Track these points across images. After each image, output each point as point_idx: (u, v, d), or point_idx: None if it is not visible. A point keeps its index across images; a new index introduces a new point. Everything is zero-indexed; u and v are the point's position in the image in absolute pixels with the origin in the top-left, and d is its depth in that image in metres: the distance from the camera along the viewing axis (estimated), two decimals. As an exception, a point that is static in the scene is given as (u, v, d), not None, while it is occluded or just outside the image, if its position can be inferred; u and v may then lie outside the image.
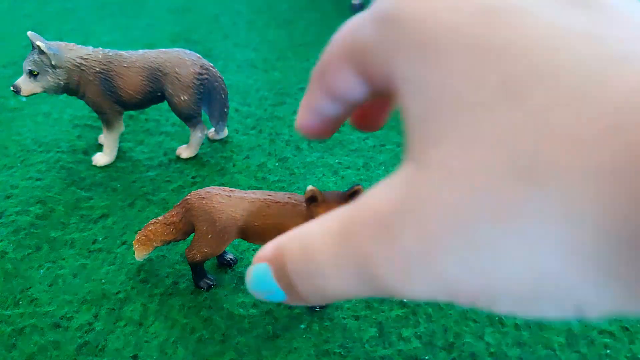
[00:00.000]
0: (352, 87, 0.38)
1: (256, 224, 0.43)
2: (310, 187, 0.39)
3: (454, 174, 0.15)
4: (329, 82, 0.38)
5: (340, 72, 0.37)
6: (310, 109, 0.39)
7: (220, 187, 0.45)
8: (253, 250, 0.50)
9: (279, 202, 0.43)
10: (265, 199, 0.43)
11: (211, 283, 0.47)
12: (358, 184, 0.40)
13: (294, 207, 0.42)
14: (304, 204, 0.42)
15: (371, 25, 0.31)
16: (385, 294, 0.18)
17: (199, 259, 0.45)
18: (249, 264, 0.49)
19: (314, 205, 0.40)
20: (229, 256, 0.49)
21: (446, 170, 0.15)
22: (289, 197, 0.43)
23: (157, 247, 0.46)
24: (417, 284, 0.16)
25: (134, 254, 0.47)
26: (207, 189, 0.45)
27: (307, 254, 0.19)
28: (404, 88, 0.22)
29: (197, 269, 0.46)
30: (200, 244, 0.45)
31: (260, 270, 0.23)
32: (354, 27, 0.33)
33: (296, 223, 0.42)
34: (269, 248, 0.24)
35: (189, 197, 0.45)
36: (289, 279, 0.22)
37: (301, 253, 0.21)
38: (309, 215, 0.42)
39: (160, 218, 0.46)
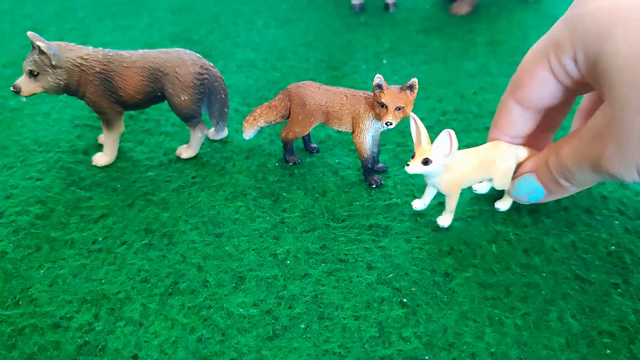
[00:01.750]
0: (546, 90, 0.44)
1: (335, 109, 0.56)
2: (377, 75, 0.50)
3: None
4: (524, 91, 0.44)
5: (535, 77, 0.43)
6: (501, 126, 0.49)
7: (313, 82, 0.59)
8: (253, 250, 0.50)
9: (354, 95, 0.56)
10: (344, 92, 0.56)
11: (297, 160, 0.61)
12: (414, 77, 0.51)
13: (365, 100, 0.55)
14: (371, 98, 0.54)
15: (566, 22, 0.40)
16: (611, 179, 0.41)
17: (290, 136, 0.59)
18: (249, 265, 0.49)
19: (379, 91, 0.51)
20: (313, 145, 0.64)
21: None
22: (362, 93, 0.55)
23: (260, 127, 0.60)
24: (633, 171, 0.38)
25: (242, 133, 0.61)
26: (303, 82, 0.59)
27: (560, 161, 0.44)
28: (610, 61, 0.35)
29: (288, 146, 0.61)
30: (292, 124, 0.58)
31: (525, 178, 0.48)
32: (546, 36, 0.43)
33: (365, 111, 0.55)
34: (529, 164, 0.48)
35: (289, 87, 0.59)
36: (550, 177, 0.45)
37: (556, 160, 0.44)
38: (374, 101, 0.52)
39: (265, 104, 0.60)
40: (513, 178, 0.50)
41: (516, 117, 0.47)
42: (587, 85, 0.43)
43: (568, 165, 0.43)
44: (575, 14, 0.41)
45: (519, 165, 0.50)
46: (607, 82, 0.38)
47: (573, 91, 0.45)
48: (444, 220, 0.51)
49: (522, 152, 0.49)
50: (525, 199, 0.49)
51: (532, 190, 0.48)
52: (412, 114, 0.48)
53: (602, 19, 0.39)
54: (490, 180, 0.50)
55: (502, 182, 0.50)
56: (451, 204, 0.50)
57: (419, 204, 0.53)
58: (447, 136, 0.45)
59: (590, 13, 0.40)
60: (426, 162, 0.46)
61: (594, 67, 0.39)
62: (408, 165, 0.46)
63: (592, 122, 0.40)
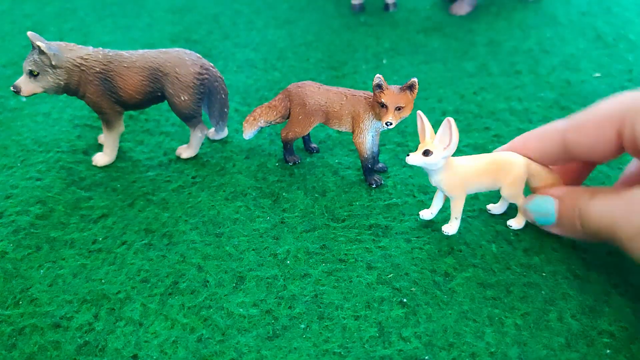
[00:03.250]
0: (602, 148, 0.42)
1: (335, 109, 0.56)
2: (377, 75, 0.50)
3: None
4: (581, 137, 0.42)
5: (600, 130, 0.41)
6: (531, 147, 0.47)
7: (313, 82, 0.58)
8: (253, 250, 0.50)
9: (354, 95, 0.55)
10: (344, 92, 0.56)
11: (297, 160, 0.61)
12: (414, 77, 0.51)
13: (365, 100, 0.55)
14: (371, 98, 0.54)
15: None
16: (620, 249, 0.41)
17: (290, 136, 0.59)
18: (249, 264, 0.49)
19: (379, 91, 0.51)
20: (313, 145, 0.63)
21: None
22: (362, 93, 0.55)
23: (260, 127, 0.60)
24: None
25: (242, 133, 0.60)
26: (303, 82, 0.59)
27: (589, 212, 0.43)
28: None
29: (288, 146, 0.60)
30: (292, 124, 0.58)
31: (547, 200, 0.47)
32: (629, 95, 0.40)
33: (365, 111, 0.55)
34: (559, 191, 0.47)
35: (289, 87, 0.59)
36: (570, 216, 0.45)
37: (586, 209, 0.43)
38: (374, 101, 0.52)
39: (265, 104, 0.60)
40: (535, 192, 0.49)
41: (553, 151, 0.46)
42: None
43: (594, 221, 0.43)
44: None
45: (535, 187, 0.49)
46: None
47: (619, 153, 0.44)
48: (450, 227, 0.50)
49: (535, 167, 0.48)
50: (534, 217, 0.49)
51: (546, 214, 0.47)
52: (419, 112, 0.48)
53: None
54: (499, 189, 0.50)
55: (510, 192, 0.49)
56: (456, 208, 0.49)
57: (426, 214, 0.52)
58: (447, 124, 0.44)
59: None
60: (426, 153, 0.46)
61: None
62: (408, 155, 0.46)
63: (635, 199, 0.40)
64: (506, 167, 0.48)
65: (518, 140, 0.49)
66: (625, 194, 0.41)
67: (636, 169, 0.48)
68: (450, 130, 0.44)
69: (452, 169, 0.47)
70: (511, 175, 0.48)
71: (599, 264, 0.47)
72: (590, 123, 0.42)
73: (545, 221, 0.48)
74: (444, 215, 0.53)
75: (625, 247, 0.40)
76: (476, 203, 0.54)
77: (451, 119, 0.44)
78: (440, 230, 0.51)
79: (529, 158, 0.48)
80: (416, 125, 0.67)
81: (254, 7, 1.07)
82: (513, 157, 0.48)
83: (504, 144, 0.52)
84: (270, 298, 0.45)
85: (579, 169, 0.51)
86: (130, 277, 0.48)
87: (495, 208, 0.53)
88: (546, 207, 0.47)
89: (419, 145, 0.47)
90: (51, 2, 1.12)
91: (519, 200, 0.50)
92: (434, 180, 0.48)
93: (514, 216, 0.52)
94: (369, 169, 0.57)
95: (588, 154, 0.43)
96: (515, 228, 0.51)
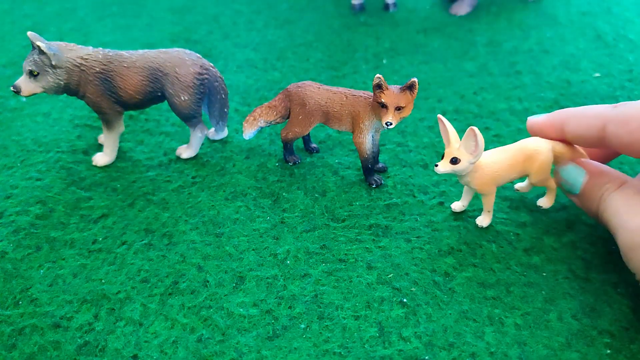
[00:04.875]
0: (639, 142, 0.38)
1: (335, 110, 0.56)
2: (377, 75, 0.50)
3: None
4: (620, 134, 0.42)
5: (638, 128, 0.40)
6: (570, 129, 0.46)
7: (313, 82, 0.58)
8: (253, 250, 0.50)
9: (354, 95, 0.55)
10: (344, 92, 0.56)
11: (297, 160, 0.61)
12: (414, 77, 0.51)
13: (365, 100, 0.54)
14: (371, 98, 0.54)
15: None
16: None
17: (290, 136, 0.59)
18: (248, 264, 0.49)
19: (379, 91, 0.51)
20: (313, 145, 0.63)
21: None
22: (362, 93, 0.55)
23: (260, 127, 0.60)
24: None
25: (242, 133, 0.60)
26: (303, 82, 0.58)
27: (614, 199, 0.44)
28: None
29: (288, 146, 0.60)
30: (292, 124, 0.58)
31: (579, 172, 0.47)
32: None
33: (365, 111, 0.54)
34: (592, 167, 0.47)
35: (289, 87, 0.58)
36: (594, 195, 0.45)
37: (611, 196, 0.44)
38: (374, 101, 0.52)
39: (265, 104, 0.60)
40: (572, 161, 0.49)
41: (591, 137, 0.45)
42: None
43: (609, 213, 0.43)
44: None
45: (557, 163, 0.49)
46: None
47: None
48: (483, 220, 0.51)
49: (560, 148, 0.48)
50: (561, 182, 0.49)
51: (573, 185, 0.47)
52: (440, 115, 0.48)
53: None
54: (528, 176, 0.50)
55: (539, 178, 0.49)
56: (488, 203, 0.50)
57: (458, 206, 0.53)
58: (472, 134, 0.45)
59: None
60: (454, 161, 0.46)
61: None
62: (437, 165, 0.46)
63: None
64: (533, 155, 0.48)
65: (557, 116, 0.48)
66: None
67: None
68: (476, 138, 0.45)
69: (481, 169, 0.47)
70: (538, 163, 0.48)
71: (599, 264, 0.47)
72: (635, 121, 0.41)
73: (569, 189, 0.48)
74: (444, 215, 0.53)
75: (625, 255, 0.41)
76: (476, 203, 0.54)
77: (476, 129, 0.44)
78: (440, 230, 0.51)
79: (565, 138, 0.48)
80: (416, 125, 0.67)
81: (254, 7, 1.07)
82: (538, 143, 0.48)
83: (504, 144, 0.52)
84: (270, 298, 0.45)
85: (606, 153, 0.51)
86: (130, 277, 0.48)
87: (523, 188, 0.54)
88: (576, 177, 0.47)
89: (445, 151, 0.47)
90: (51, 2, 1.12)
91: (549, 183, 0.50)
92: (464, 180, 0.49)
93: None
94: (369, 169, 0.57)
95: (626, 149, 0.43)
96: (546, 207, 0.52)
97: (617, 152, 0.50)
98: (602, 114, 0.44)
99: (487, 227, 0.51)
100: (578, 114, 0.46)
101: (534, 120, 0.49)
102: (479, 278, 0.46)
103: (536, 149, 0.48)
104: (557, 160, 0.49)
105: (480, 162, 0.47)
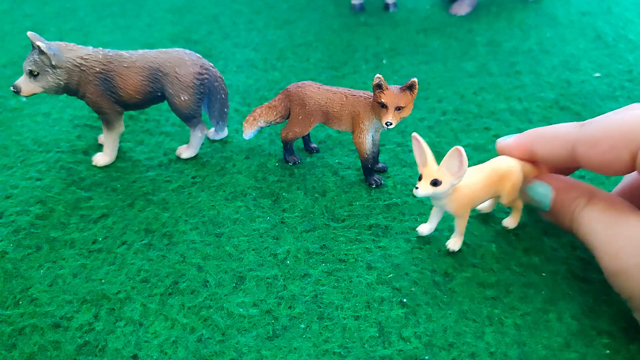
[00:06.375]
0: (613, 166, 0.41)
1: (335, 110, 0.56)
2: (377, 75, 0.50)
3: None
4: (595, 155, 0.41)
5: (611, 150, 0.40)
6: (539, 150, 0.45)
7: (313, 82, 0.58)
8: (253, 250, 0.50)
9: (354, 95, 0.55)
10: (344, 92, 0.56)
11: (297, 160, 0.61)
12: (414, 77, 0.51)
13: (365, 100, 0.54)
14: (371, 98, 0.54)
15: None
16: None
17: (290, 136, 0.59)
18: (248, 265, 0.49)
19: (379, 91, 0.51)
20: (313, 145, 0.63)
21: None
22: (362, 93, 0.55)
23: (260, 127, 0.60)
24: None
25: (242, 133, 0.60)
26: (303, 82, 0.58)
27: (583, 217, 0.42)
28: None
29: (287, 146, 0.60)
30: (292, 124, 0.58)
31: (545, 189, 0.46)
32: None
33: (365, 111, 0.54)
34: (558, 182, 0.45)
35: (289, 87, 0.58)
36: (564, 211, 0.44)
37: (581, 212, 0.43)
38: (374, 101, 0.52)
39: (265, 104, 0.60)
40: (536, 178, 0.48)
41: (561, 158, 0.44)
42: None
43: (583, 232, 0.42)
44: None
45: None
46: None
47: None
48: (454, 243, 0.48)
49: (528, 168, 0.47)
50: (530, 200, 0.48)
51: (541, 202, 0.46)
52: (415, 134, 0.45)
53: None
54: (499, 197, 0.48)
55: (510, 198, 0.47)
56: (461, 225, 0.48)
57: (425, 229, 0.50)
58: (457, 154, 0.42)
59: None
60: (435, 183, 0.43)
61: None
62: (417, 188, 0.43)
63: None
64: (506, 175, 0.46)
65: (526, 139, 0.47)
66: (618, 222, 0.40)
67: (635, 182, 0.47)
68: (461, 158, 0.42)
69: (458, 191, 0.45)
70: (511, 183, 0.47)
71: (598, 264, 0.47)
72: (604, 142, 0.40)
73: (539, 207, 0.47)
74: (444, 215, 0.53)
75: (608, 278, 0.40)
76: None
77: (461, 148, 0.42)
78: (440, 230, 0.51)
79: (534, 159, 0.47)
80: (416, 125, 0.67)
81: (254, 7, 1.07)
82: (510, 163, 0.47)
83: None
84: (270, 298, 0.45)
85: (569, 166, 0.50)
86: (130, 277, 0.48)
87: (485, 207, 0.53)
88: (543, 195, 0.46)
89: (422, 172, 0.44)
90: (51, 2, 1.12)
91: (517, 203, 0.49)
92: (440, 203, 0.46)
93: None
94: (369, 169, 0.57)
95: (597, 169, 0.42)
96: (511, 227, 0.50)
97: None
98: (570, 136, 0.43)
99: (487, 227, 0.51)
100: (547, 136, 0.45)
101: (504, 142, 0.48)
102: (479, 278, 0.46)
103: (509, 169, 0.46)
104: (524, 179, 0.48)
105: (460, 183, 0.45)
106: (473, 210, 0.54)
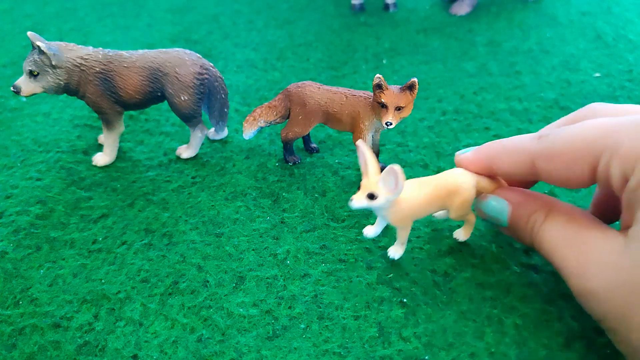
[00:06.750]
0: (574, 179, 0.39)
1: (335, 110, 0.56)
2: (377, 75, 0.50)
3: None
4: (554, 169, 0.40)
5: (571, 164, 0.39)
6: (498, 165, 0.44)
7: (313, 82, 0.58)
8: (253, 250, 0.50)
9: (354, 95, 0.55)
10: (344, 92, 0.56)
11: (297, 160, 0.61)
12: (414, 77, 0.51)
13: (365, 100, 0.55)
14: (371, 98, 0.54)
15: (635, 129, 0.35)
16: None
17: (290, 136, 0.59)
18: (249, 262, 0.49)
19: (379, 91, 0.51)
20: (313, 145, 0.63)
21: None
22: (362, 93, 0.55)
23: (260, 127, 0.60)
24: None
25: (242, 133, 0.60)
26: (303, 82, 0.58)
27: (543, 230, 0.41)
28: None
29: (288, 146, 0.60)
30: (292, 124, 0.58)
31: (501, 204, 0.44)
32: (611, 127, 0.37)
33: (365, 111, 0.54)
34: (514, 196, 0.44)
35: (289, 87, 0.58)
36: (524, 227, 0.42)
37: (540, 225, 0.41)
38: (374, 101, 0.52)
39: (265, 104, 0.60)
40: (491, 193, 0.46)
41: (522, 173, 0.42)
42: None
43: (545, 249, 0.40)
44: None
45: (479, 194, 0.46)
46: None
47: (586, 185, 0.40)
48: (395, 251, 0.47)
49: (484, 183, 0.45)
50: (486, 217, 0.46)
51: (498, 219, 0.45)
52: (359, 143, 0.43)
53: None
54: (447, 211, 0.46)
55: (459, 214, 0.46)
56: (403, 236, 0.46)
57: (370, 231, 0.48)
58: (393, 172, 0.40)
59: None
60: (371, 196, 0.41)
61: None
62: (352, 200, 0.42)
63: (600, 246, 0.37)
64: (455, 191, 0.44)
65: (484, 153, 0.45)
66: (581, 238, 0.38)
67: (601, 198, 0.45)
68: (396, 178, 0.40)
69: (398, 204, 0.43)
70: (460, 199, 0.45)
71: (599, 264, 0.47)
72: (564, 156, 0.39)
73: (496, 223, 0.45)
74: (444, 217, 0.53)
75: (577, 299, 0.38)
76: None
77: (396, 168, 0.40)
78: (440, 230, 0.51)
79: (495, 174, 0.45)
80: (416, 125, 0.67)
81: (254, 7, 1.07)
82: (462, 179, 0.45)
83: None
84: (270, 298, 0.45)
85: (528, 180, 0.48)
86: (130, 277, 0.48)
87: (440, 215, 0.51)
88: (499, 211, 0.44)
89: (362, 182, 0.42)
90: (51, 2, 1.12)
91: (468, 217, 0.47)
92: (380, 214, 0.45)
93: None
94: None
95: (558, 182, 0.40)
96: (462, 240, 0.49)
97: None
98: (529, 150, 0.41)
99: (486, 227, 0.51)
100: (505, 150, 0.43)
101: (462, 156, 0.46)
102: (479, 278, 0.46)
103: (460, 185, 0.44)
104: (479, 194, 0.46)
105: (401, 196, 0.43)
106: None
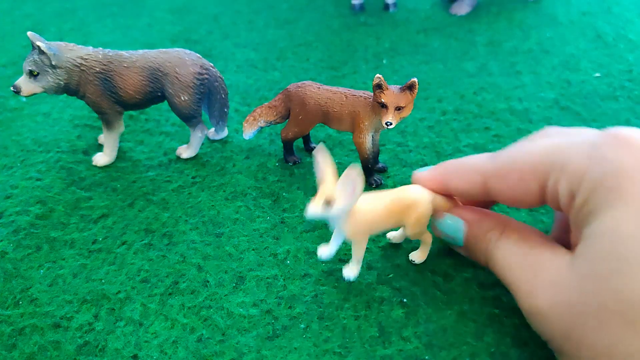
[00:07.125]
0: (524, 198, 0.39)
1: (335, 110, 0.56)
2: (377, 75, 0.50)
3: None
4: (504, 187, 0.40)
5: (520, 182, 0.39)
6: (455, 185, 0.43)
7: (312, 82, 0.58)
8: (253, 250, 0.50)
9: (354, 95, 0.55)
10: (344, 92, 0.56)
11: (297, 160, 0.61)
12: (414, 77, 0.51)
13: (365, 100, 0.54)
14: (371, 98, 0.54)
15: (586, 152, 0.35)
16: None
17: (290, 136, 0.59)
18: (249, 262, 0.49)
19: (379, 91, 0.51)
20: (313, 145, 0.63)
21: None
22: (362, 93, 0.55)
23: (260, 127, 0.60)
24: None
25: (242, 133, 0.60)
26: (303, 82, 0.58)
27: (498, 250, 0.40)
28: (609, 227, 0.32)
29: (287, 146, 0.60)
30: (292, 124, 0.58)
31: (457, 223, 0.43)
32: (560, 145, 0.37)
33: (365, 111, 0.54)
34: (470, 215, 0.43)
35: (289, 87, 0.58)
36: (477, 247, 0.42)
37: (496, 244, 0.41)
38: (374, 101, 0.52)
39: (265, 104, 0.60)
40: (447, 211, 0.45)
41: (475, 193, 0.42)
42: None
43: (498, 269, 0.40)
44: (600, 154, 0.34)
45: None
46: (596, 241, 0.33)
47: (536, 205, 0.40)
48: (350, 271, 0.46)
49: (440, 200, 0.44)
50: (442, 237, 0.46)
51: (454, 237, 0.44)
52: (319, 146, 0.42)
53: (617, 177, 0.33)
54: (403, 227, 0.46)
55: (415, 230, 0.44)
56: (358, 252, 0.45)
57: (324, 252, 0.47)
58: (351, 177, 0.39)
59: (616, 162, 0.33)
60: (328, 203, 0.40)
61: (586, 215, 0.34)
62: (307, 208, 0.40)
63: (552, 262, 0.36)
64: (411, 206, 0.43)
65: (440, 172, 0.44)
66: (532, 257, 0.38)
67: (560, 221, 0.45)
68: (354, 182, 0.39)
69: (354, 215, 0.42)
70: (415, 215, 0.43)
71: (599, 264, 0.47)
72: (514, 174, 0.38)
73: (452, 242, 0.45)
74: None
75: (526, 318, 0.38)
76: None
77: (354, 172, 0.39)
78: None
79: (450, 192, 0.44)
80: (416, 125, 0.67)
81: (254, 7, 1.07)
82: (419, 194, 0.44)
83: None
84: (270, 298, 0.45)
85: (489, 202, 0.47)
86: (130, 277, 0.48)
87: (396, 237, 0.50)
88: (455, 230, 0.44)
89: (319, 189, 0.41)
90: (51, 2, 1.12)
91: (424, 237, 0.46)
92: (336, 226, 0.43)
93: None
94: (369, 169, 0.57)
95: (509, 202, 0.40)
96: (418, 262, 0.48)
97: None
98: (482, 169, 0.41)
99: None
100: (461, 169, 0.43)
101: (419, 174, 0.45)
102: (479, 279, 0.46)
103: (415, 200, 0.43)
104: (435, 212, 0.45)
105: (355, 207, 0.42)
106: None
